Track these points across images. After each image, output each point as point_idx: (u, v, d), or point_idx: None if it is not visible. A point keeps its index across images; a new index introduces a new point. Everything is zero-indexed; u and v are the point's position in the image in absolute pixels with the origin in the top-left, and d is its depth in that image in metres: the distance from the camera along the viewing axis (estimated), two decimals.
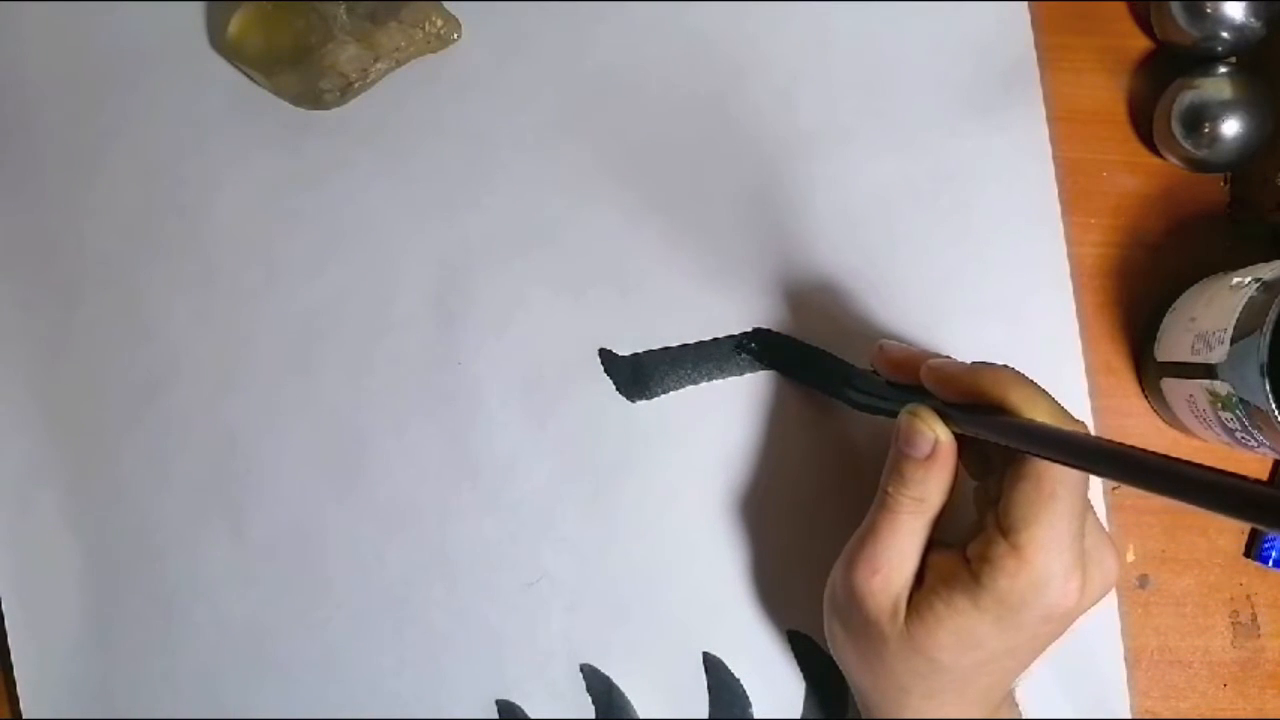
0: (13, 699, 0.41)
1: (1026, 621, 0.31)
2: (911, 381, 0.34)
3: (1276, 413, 0.32)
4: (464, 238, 0.41)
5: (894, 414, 0.36)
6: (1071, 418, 0.31)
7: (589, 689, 0.40)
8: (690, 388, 0.41)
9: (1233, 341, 0.34)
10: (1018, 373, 0.31)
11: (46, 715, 0.40)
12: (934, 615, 0.31)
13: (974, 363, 0.32)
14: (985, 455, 0.34)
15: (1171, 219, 0.42)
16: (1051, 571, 0.30)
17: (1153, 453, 0.25)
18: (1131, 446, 0.26)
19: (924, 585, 0.32)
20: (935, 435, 0.32)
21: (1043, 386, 0.31)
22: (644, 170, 0.41)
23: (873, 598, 0.32)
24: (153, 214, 0.42)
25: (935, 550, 0.33)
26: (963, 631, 0.31)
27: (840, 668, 0.36)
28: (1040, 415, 0.30)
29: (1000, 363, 0.32)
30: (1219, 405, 0.35)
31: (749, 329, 0.41)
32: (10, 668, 0.40)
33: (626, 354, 0.41)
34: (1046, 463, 0.30)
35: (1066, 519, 0.30)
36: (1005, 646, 0.32)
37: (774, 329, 0.41)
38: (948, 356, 0.34)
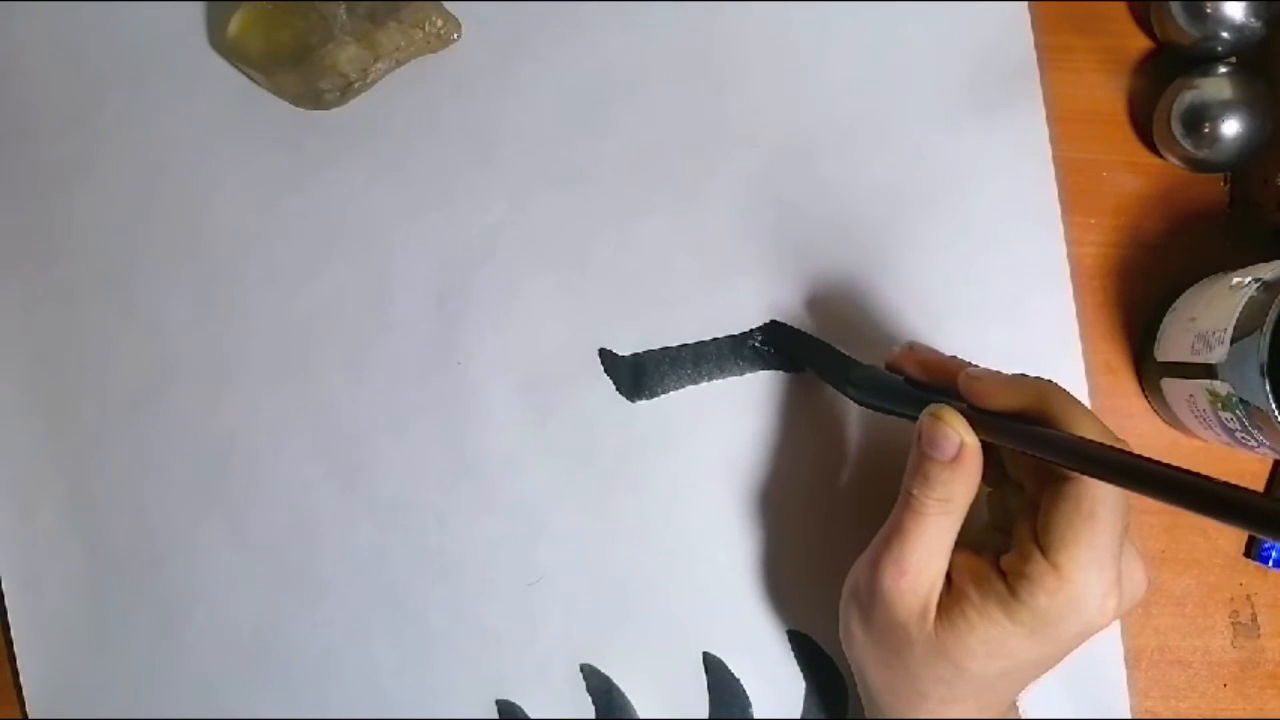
0: (20, 700, 0.41)
1: (1060, 636, 0.31)
2: (939, 384, 0.34)
3: (1276, 413, 0.32)
4: (464, 237, 0.41)
5: (893, 413, 0.35)
6: (1114, 436, 0.30)
7: (589, 689, 0.40)
8: (690, 388, 0.41)
9: (1233, 341, 0.34)
10: (1060, 387, 0.31)
11: (52, 715, 0.40)
12: (966, 623, 0.31)
13: (1014, 375, 0.32)
14: (999, 464, 0.34)
15: (1171, 219, 0.42)
16: (1090, 591, 0.30)
17: (1202, 476, 0.25)
18: (1180, 468, 0.25)
19: (953, 590, 0.32)
20: (961, 438, 0.31)
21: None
22: (644, 170, 0.41)
23: (901, 599, 0.32)
24: (152, 214, 0.42)
25: (960, 552, 0.33)
26: (994, 641, 0.31)
27: (853, 668, 0.36)
28: (1085, 432, 0.29)
29: (1038, 376, 0.32)
30: (1219, 405, 0.35)
31: (754, 326, 0.41)
32: (16, 669, 0.41)
33: (626, 354, 0.41)
34: (1087, 483, 0.29)
35: (1106, 538, 0.30)
36: (1034, 657, 0.31)
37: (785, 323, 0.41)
38: (963, 366, 0.34)
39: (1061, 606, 0.30)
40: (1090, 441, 0.29)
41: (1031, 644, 0.31)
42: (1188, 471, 0.25)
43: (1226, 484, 0.24)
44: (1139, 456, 0.27)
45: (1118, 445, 0.29)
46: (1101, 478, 0.28)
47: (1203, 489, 0.25)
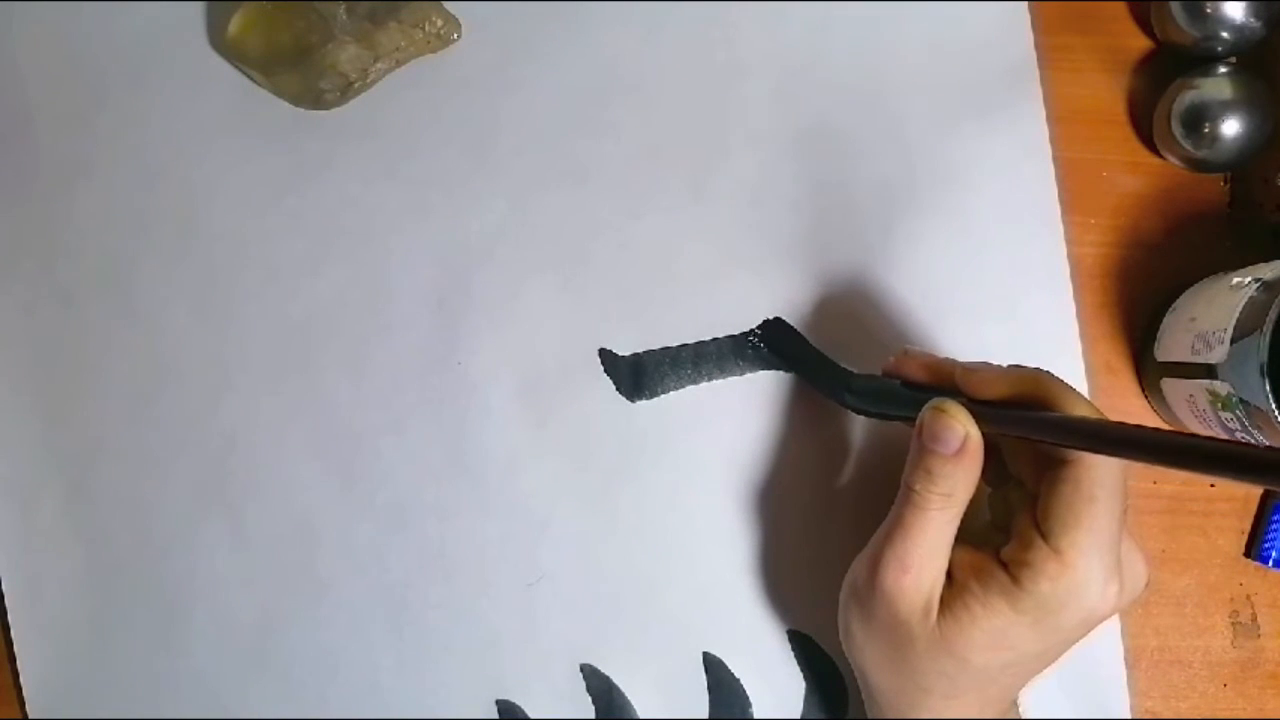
0: (20, 700, 0.41)
1: (1063, 625, 0.31)
2: (938, 385, 0.34)
3: (1276, 413, 0.32)
4: (464, 238, 0.41)
5: (890, 417, 0.36)
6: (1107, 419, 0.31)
7: (589, 689, 0.40)
8: (690, 388, 0.41)
9: (1233, 341, 0.34)
10: (1053, 375, 0.31)
11: (51, 715, 0.40)
12: (969, 615, 0.31)
13: (1009, 365, 0.32)
14: (1000, 463, 0.34)
15: (1171, 219, 0.42)
16: (1092, 575, 0.30)
17: (1199, 436, 0.25)
18: (1177, 432, 0.26)
19: (954, 584, 0.32)
20: (965, 430, 0.31)
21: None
22: (643, 170, 0.41)
23: (904, 596, 0.32)
24: (152, 214, 0.42)
25: (960, 548, 0.33)
26: (997, 633, 0.31)
27: (854, 667, 0.36)
28: (1080, 413, 0.30)
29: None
30: (1219, 405, 0.35)
31: (755, 324, 0.41)
32: (16, 669, 0.41)
33: (626, 354, 0.41)
34: (1086, 467, 0.30)
35: (1106, 521, 0.30)
36: (1038, 649, 0.32)
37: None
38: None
39: (1064, 593, 0.30)
40: (1089, 419, 0.29)
41: (1035, 634, 0.31)
42: (1186, 434, 0.25)
43: (1225, 440, 0.24)
44: (1138, 426, 0.27)
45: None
46: (1104, 451, 0.28)
47: (1203, 448, 0.24)
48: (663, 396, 0.41)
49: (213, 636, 0.41)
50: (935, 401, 0.32)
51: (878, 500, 0.35)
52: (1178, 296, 0.40)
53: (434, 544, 0.40)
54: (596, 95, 0.42)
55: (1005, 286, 0.41)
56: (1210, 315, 0.36)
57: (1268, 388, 0.32)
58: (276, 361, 0.41)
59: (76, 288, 0.41)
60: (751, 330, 0.41)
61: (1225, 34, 0.39)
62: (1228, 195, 0.42)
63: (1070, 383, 0.31)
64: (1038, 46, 0.42)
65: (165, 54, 0.42)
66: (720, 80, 0.42)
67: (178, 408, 0.41)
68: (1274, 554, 0.40)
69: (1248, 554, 0.41)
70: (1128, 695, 0.40)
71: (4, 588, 0.41)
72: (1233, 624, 0.41)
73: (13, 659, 0.41)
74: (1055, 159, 0.41)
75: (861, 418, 0.39)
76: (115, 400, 0.41)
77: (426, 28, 0.40)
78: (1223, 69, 0.40)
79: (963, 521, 0.33)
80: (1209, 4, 0.39)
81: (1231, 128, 0.39)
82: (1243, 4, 0.39)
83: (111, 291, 0.41)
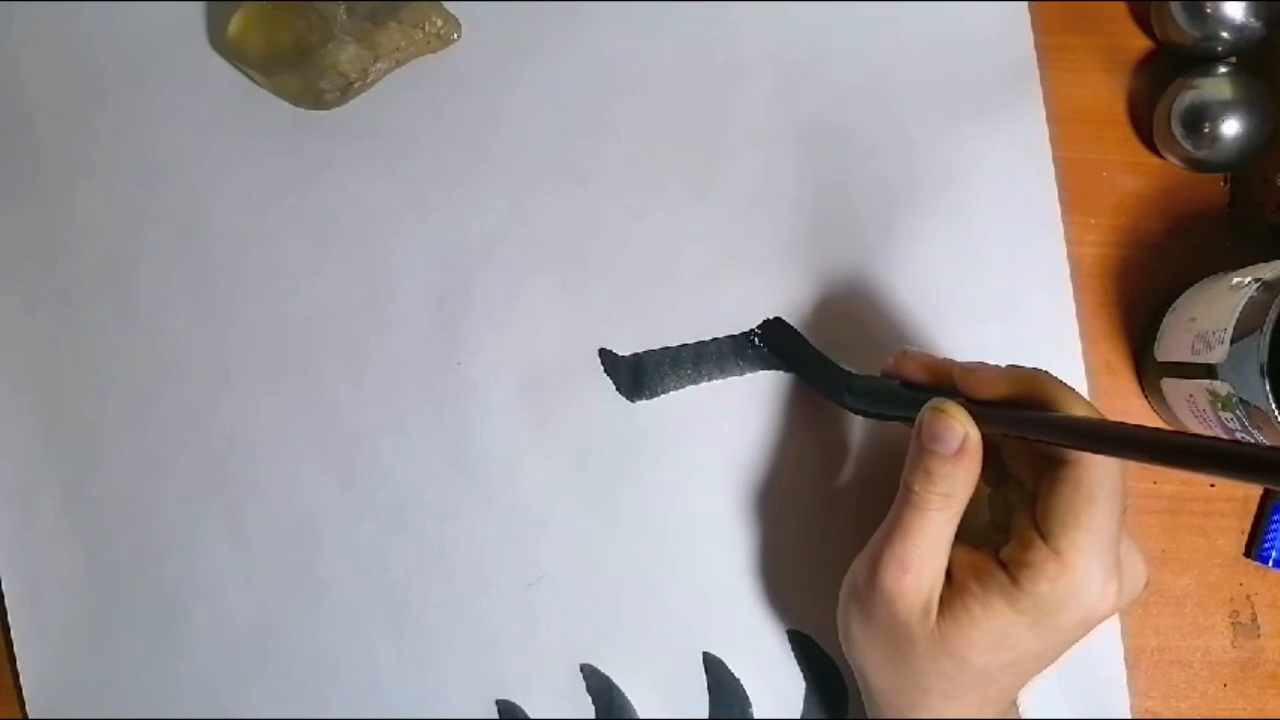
0: (20, 700, 0.41)
1: (1063, 625, 0.31)
2: (937, 385, 0.34)
3: (1276, 413, 0.32)
4: (464, 238, 0.41)
5: (889, 418, 0.36)
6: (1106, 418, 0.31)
7: (589, 689, 0.40)
8: (690, 388, 0.41)
9: (1233, 341, 0.34)
10: (1051, 374, 0.31)
11: (51, 715, 0.40)
12: (969, 616, 0.31)
13: (1007, 365, 0.32)
14: (1000, 464, 0.34)
15: (1171, 219, 0.42)
16: (1092, 575, 0.30)
17: (1199, 436, 0.25)
18: (1177, 431, 0.26)
19: (954, 585, 0.32)
20: (965, 431, 0.31)
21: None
22: (643, 170, 0.41)
23: (903, 597, 0.32)
24: (152, 214, 0.42)
25: (959, 548, 0.33)
26: (997, 633, 0.31)
27: (853, 667, 0.36)
28: (1079, 413, 0.30)
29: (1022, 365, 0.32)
30: (1219, 405, 0.35)
31: (755, 324, 0.41)
32: (16, 669, 0.41)
33: (626, 354, 0.41)
34: (1085, 467, 0.30)
35: (1105, 521, 0.30)
36: (1037, 649, 0.32)
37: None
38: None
39: (1063, 593, 0.30)
40: (1089, 419, 0.29)
41: (1034, 635, 0.31)
42: (1186, 434, 0.25)
43: (1223, 439, 0.24)
44: (1138, 426, 0.27)
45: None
46: (1103, 451, 0.28)
47: (1203, 448, 0.25)
48: (663, 396, 0.41)
49: (213, 636, 0.41)
50: (934, 401, 0.32)
51: (878, 500, 0.35)
52: (1178, 296, 0.40)
53: (434, 544, 0.40)
54: (596, 95, 0.42)
55: (1005, 286, 0.41)
56: (1210, 315, 0.36)
57: (1268, 388, 0.32)
58: (276, 361, 0.41)
59: (76, 288, 0.41)
60: (751, 330, 0.41)
61: (1225, 34, 0.39)
62: (1228, 195, 0.42)
63: (1070, 383, 0.31)
64: (1038, 46, 0.42)
65: (165, 54, 0.42)
66: (720, 80, 0.42)
67: (178, 408, 0.41)
68: (1274, 554, 0.40)
69: (1248, 554, 0.41)
70: (1128, 695, 0.40)
71: (4, 588, 0.41)
72: (1233, 624, 0.41)
73: (13, 659, 0.41)
74: (1055, 159, 0.41)
75: (861, 418, 0.39)
76: (115, 400, 0.41)
77: (426, 28, 0.40)
78: (1223, 69, 0.40)
79: (962, 521, 0.33)
80: (1209, 4, 0.39)
81: (1231, 128, 0.39)
82: (1243, 4, 0.39)
83: (111, 291, 0.41)
